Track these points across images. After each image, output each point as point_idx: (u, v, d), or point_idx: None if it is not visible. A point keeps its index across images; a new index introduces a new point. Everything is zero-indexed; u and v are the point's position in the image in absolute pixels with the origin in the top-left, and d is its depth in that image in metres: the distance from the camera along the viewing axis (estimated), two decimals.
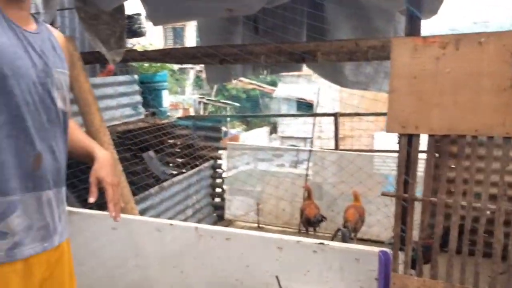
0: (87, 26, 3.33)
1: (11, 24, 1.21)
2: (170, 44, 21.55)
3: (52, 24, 3.17)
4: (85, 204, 2.30)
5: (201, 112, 16.57)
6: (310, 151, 4.80)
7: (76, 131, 1.52)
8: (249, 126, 19.51)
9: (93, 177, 1.42)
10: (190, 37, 21.77)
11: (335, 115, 5.73)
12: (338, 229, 4.15)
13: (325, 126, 7.83)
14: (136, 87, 4.53)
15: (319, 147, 6.33)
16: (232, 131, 16.55)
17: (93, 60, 3.55)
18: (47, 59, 1.28)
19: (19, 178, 1.21)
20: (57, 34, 1.42)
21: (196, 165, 4.55)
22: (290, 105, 18.83)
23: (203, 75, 17.48)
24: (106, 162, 1.47)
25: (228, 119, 15.85)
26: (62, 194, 1.37)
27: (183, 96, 18.65)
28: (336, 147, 5.56)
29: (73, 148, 1.46)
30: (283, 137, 17.82)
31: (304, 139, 15.98)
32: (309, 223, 4.49)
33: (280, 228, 5.03)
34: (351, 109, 8.45)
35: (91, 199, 1.39)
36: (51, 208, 1.30)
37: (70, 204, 1.65)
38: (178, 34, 22.34)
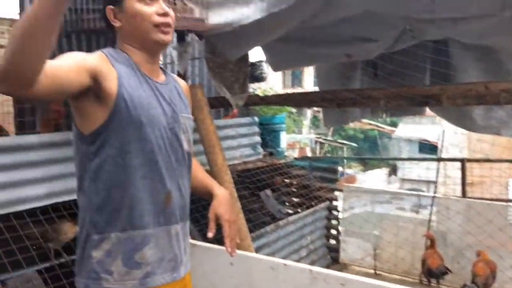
0: (214, 74, 3.65)
1: (146, 78, 1.39)
2: (289, 86, 22.23)
3: (184, 73, 3.55)
4: (205, 238, 2.46)
5: (318, 152, 16.60)
6: (434, 197, 4.51)
7: (198, 170, 1.65)
8: (367, 167, 18.98)
9: (212, 213, 1.52)
10: (308, 80, 22.23)
11: (462, 161, 5.35)
12: (465, 285, 3.79)
13: (450, 171, 7.29)
14: (256, 129, 4.77)
15: (444, 194, 5.89)
16: (349, 172, 16.24)
17: (218, 105, 3.84)
18: (174, 106, 1.44)
19: (152, 214, 1.36)
20: (181, 82, 1.59)
21: (312, 206, 4.57)
22: (411, 147, 17.95)
23: (320, 115, 17.68)
24: (224, 200, 1.57)
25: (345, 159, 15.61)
26: (186, 227, 1.50)
27: (300, 136, 18.92)
28: (463, 195, 5.14)
29: (195, 186, 1.59)
30: (403, 180, 16.95)
31: (427, 182, 15.00)
32: (432, 274, 4.17)
33: (398, 277, 4.74)
34: (480, 154, 7.78)
35: (210, 234, 1.48)
36: (178, 241, 1.43)
37: (192, 237, 1.80)
38: (297, 77, 22.98)
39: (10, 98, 3.92)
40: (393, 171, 17.99)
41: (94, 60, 1.28)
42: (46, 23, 1.01)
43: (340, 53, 3.65)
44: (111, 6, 1.38)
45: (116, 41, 1.44)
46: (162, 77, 1.48)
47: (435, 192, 4.61)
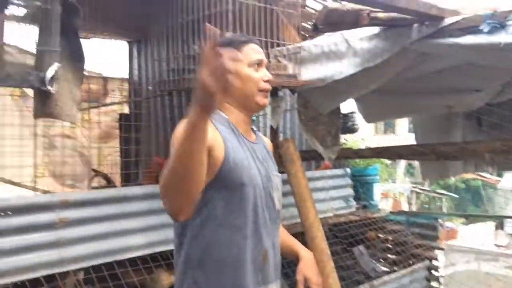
0: (306, 127, 3.67)
1: (243, 138, 1.45)
2: (381, 132, 21.61)
3: (277, 127, 3.62)
4: None
5: (413, 202, 15.69)
6: None
7: (281, 230, 1.67)
8: (470, 220, 17.45)
9: (300, 275, 1.55)
10: (402, 125, 21.46)
11: None
12: None
13: None
14: (348, 180, 4.64)
15: None
16: (449, 225, 15.04)
17: (310, 158, 3.84)
18: (267, 166, 1.49)
19: (252, 273, 1.38)
20: (266, 140, 1.66)
21: (410, 265, 4.27)
22: None
23: (415, 163, 16.81)
24: (310, 262, 1.60)
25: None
26: (279, 285, 1.51)
27: (394, 185, 18.08)
28: None
29: (280, 245, 1.60)
30: (510, 235, 15.30)
31: None
32: None
33: None
34: None
35: None
36: None
37: None
38: (389, 123, 22.31)
39: (115, 149, 4.29)
40: (500, 224, 16.34)
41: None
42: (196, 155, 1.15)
43: (439, 104, 3.50)
44: None
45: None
46: (253, 136, 1.55)
47: None
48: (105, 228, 2.63)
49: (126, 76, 4.66)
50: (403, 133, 21.36)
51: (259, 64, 1.48)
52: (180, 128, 1.30)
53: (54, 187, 3.25)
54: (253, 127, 1.60)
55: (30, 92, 3.10)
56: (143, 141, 3.69)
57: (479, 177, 18.00)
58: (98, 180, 3.80)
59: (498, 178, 17.32)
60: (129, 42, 4.53)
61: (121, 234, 2.70)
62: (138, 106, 3.87)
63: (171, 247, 2.84)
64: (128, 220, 2.75)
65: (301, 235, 2.79)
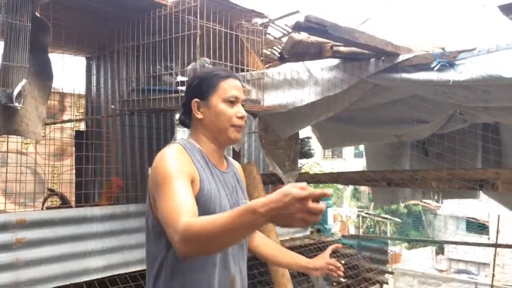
0: (266, 150, 3.76)
1: (215, 169, 1.51)
2: (329, 157, 22.19)
3: (239, 151, 3.68)
4: None
5: (360, 225, 16.14)
6: (492, 286, 4.26)
7: (281, 249, 1.82)
8: (412, 244, 18.15)
9: (327, 261, 1.74)
10: (349, 150, 22.17)
11: None
12: None
13: (506, 254, 6.89)
14: None
15: (501, 281, 5.55)
16: (393, 249, 15.57)
17: (270, 182, 3.92)
18: (236, 194, 1.55)
19: None
20: (236, 165, 1.72)
21: None
22: (458, 224, 17.17)
23: (361, 188, 17.31)
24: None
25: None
26: None
27: (341, 208, 18.53)
28: None
29: (287, 262, 1.76)
30: (451, 259, 16.07)
31: (477, 264, 14.18)
32: None
33: None
34: None
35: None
36: None
37: None
38: (337, 148, 22.96)
39: (71, 166, 4.17)
40: (440, 249, 17.13)
41: (187, 168, 1.39)
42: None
43: (389, 133, 3.71)
44: (197, 100, 1.51)
45: (192, 127, 1.56)
46: (225, 165, 1.60)
47: (492, 281, 4.37)
48: (63, 249, 2.56)
49: (83, 92, 4.57)
50: (349, 158, 22.10)
51: (235, 100, 1.52)
52: (168, 165, 1.34)
53: (6, 206, 3.12)
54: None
55: None
56: (101, 160, 3.63)
57: (420, 203, 18.86)
58: (51, 199, 3.67)
59: (438, 204, 18.22)
60: (87, 58, 4.47)
61: (80, 256, 2.64)
62: (95, 124, 3.80)
63: (130, 269, 2.82)
64: (87, 241, 2.70)
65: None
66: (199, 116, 1.52)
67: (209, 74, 1.54)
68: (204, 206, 1.38)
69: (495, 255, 4.67)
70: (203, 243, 1.14)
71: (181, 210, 1.22)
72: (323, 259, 1.72)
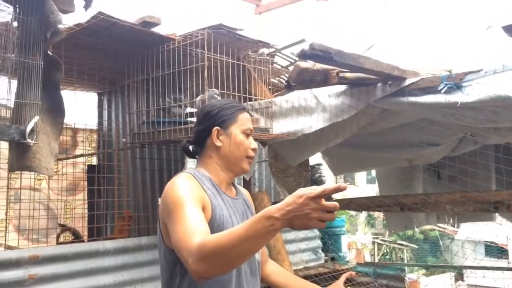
0: (276, 178, 3.76)
1: (226, 196, 1.52)
2: (340, 181, 22.03)
3: (249, 179, 3.68)
4: None
5: (375, 252, 15.82)
6: None
7: (296, 278, 1.79)
8: (430, 271, 17.70)
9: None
10: (361, 176, 22.00)
11: None
12: None
13: None
14: (316, 232, 4.71)
15: None
16: (411, 276, 15.19)
17: None
18: (247, 219, 1.55)
19: None
20: (244, 192, 1.73)
21: None
22: (476, 249, 16.73)
23: (375, 214, 17.05)
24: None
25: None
26: None
27: (356, 236, 18.23)
28: None
29: (291, 286, 1.71)
30: (471, 286, 15.58)
31: None
32: None
33: None
34: None
35: None
36: None
37: None
38: (349, 174, 22.82)
39: (84, 200, 4.19)
40: (460, 275, 16.65)
41: (198, 194, 1.40)
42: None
43: (400, 158, 3.69)
44: (218, 128, 1.54)
45: (203, 156, 1.57)
46: (234, 191, 1.61)
47: None
48: (75, 284, 2.55)
49: (95, 127, 4.65)
50: (362, 184, 21.89)
51: (250, 133, 1.57)
52: (179, 192, 1.35)
53: (19, 242, 3.13)
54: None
55: None
56: (113, 193, 3.65)
57: (437, 228, 18.48)
58: (64, 234, 3.68)
59: (456, 229, 17.84)
60: (99, 94, 4.57)
61: None
62: (107, 158, 3.84)
63: None
64: (99, 276, 2.68)
65: None
66: (218, 143, 1.53)
67: (227, 104, 1.58)
68: (216, 232, 1.38)
69: None
70: (220, 258, 1.12)
71: (194, 232, 1.21)
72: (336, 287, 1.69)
